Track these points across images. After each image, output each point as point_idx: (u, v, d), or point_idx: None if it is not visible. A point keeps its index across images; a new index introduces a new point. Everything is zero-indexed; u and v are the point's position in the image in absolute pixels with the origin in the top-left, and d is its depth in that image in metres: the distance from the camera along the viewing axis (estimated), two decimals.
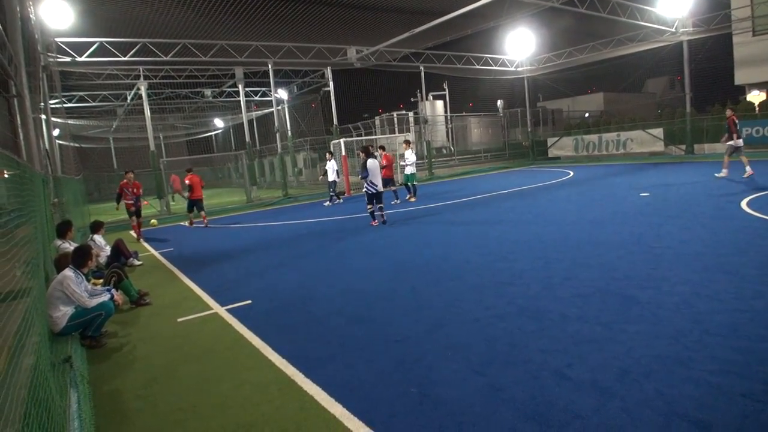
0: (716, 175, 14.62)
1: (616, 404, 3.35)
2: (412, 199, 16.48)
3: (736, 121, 14.05)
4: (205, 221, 15.71)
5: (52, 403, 3.41)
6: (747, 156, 14.24)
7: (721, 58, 26.59)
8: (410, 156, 16.52)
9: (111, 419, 3.99)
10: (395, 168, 19.28)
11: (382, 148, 17.56)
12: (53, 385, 3.69)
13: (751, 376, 3.52)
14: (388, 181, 16.47)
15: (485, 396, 3.64)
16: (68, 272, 5.74)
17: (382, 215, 12.24)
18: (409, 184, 16.79)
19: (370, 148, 12.68)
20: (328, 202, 18.64)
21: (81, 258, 6.05)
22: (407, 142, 17.22)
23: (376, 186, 11.84)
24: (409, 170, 16.59)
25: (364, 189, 12.11)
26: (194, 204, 15.66)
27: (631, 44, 25.00)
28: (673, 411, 3.20)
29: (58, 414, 3.59)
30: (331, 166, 18.41)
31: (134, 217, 13.81)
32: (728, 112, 14.37)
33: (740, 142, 14.08)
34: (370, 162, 11.81)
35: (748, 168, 13.97)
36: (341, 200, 19.03)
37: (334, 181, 18.60)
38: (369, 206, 12.24)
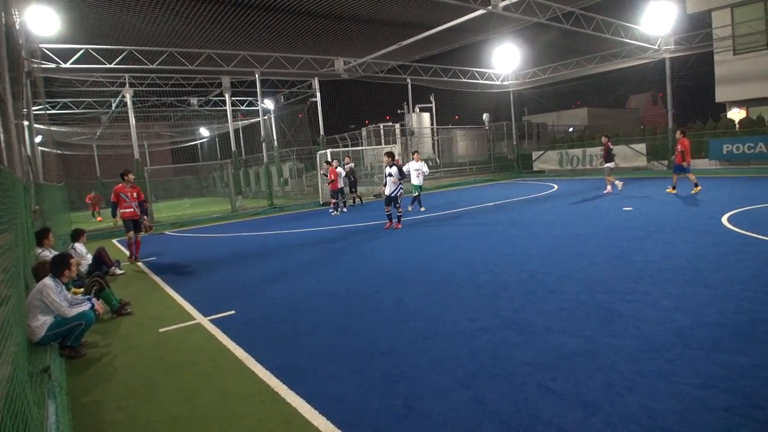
0: (603, 192, 17.19)
1: (600, 418, 3.36)
2: (422, 209, 16.19)
3: (611, 147, 17.28)
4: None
5: (29, 415, 3.33)
6: (695, 174, 15.77)
7: (703, 75, 27.09)
8: (419, 166, 16.02)
9: (89, 431, 3.91)
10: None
11: (328, 162, 18.34)
12: (31, 396, 3.61)
13: (732, 390, 3.56)
14: (336, 193, 18.00)
15: (470, 409, 3.63)
16: (48, 281, 5.64)
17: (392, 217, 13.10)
18: (419, 194, 16.36)
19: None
20: (334, 211, 18.67)
21: (59, 266, 5.94)
22: (417, 153, 16.74)
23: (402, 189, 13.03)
24: (417, 181, 16.01)
25: (399, 191, 12.83)
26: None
27: (615, 61, 25.42)
28: (656, 425, 3.22)
29: (36, 426, 3.50)
30: (338, 173, 18.36)
31: (132, 233, 11.05)
32: (604, 139, 17.56)
33: (612, 164, 17.27)
34: (398, 168, 12.83)
35: (609, 187, 17.20)
36: (345, 210, 18.86)
37: (341, 189, 18.62)
38: (389, 208, 12.99)
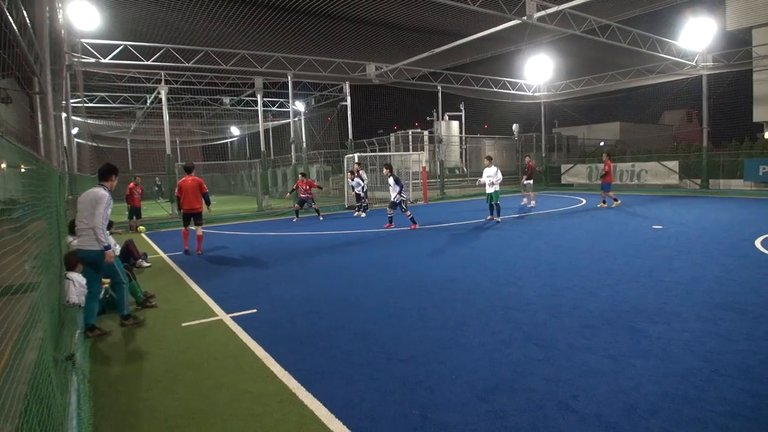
0: (522, 204, 19.88)
1: None
2: (498, 219, 15.17)
3: (533, 166, 20.08)
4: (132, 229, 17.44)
5: (53, 401, 3.39)
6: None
7: (741, 94, 26.49)
8: (491, 172, 15.00)
9: (110, 420, 3.97)
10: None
11: (303, 174, 18.68)
12: (55, 382, 3.68)
13: (761, 420, 3.44)
14: (304, 201, 18.15)
15: (488, 423, 3.58)
16: (106, 192, 6.17)
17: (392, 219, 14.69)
18: (493, 203, 15.19)
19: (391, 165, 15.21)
20: (363, 214, 19.17)
21: (109, 173, 6.46)
22: (489, 159, 15.62)
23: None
24: (491, 188, 15.01)
25: (400, 197, 14.24)
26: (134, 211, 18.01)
27: (650, 76, 25.00)
28: None
29: (59, 412, 3.57)
30: (355, 184, 19.01)
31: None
32: (527, 159, 20.00)
33: (531, 182, 19.99)
34: (394, 178, 14.45)
35: (526, 200, 20.19)
36: (364, 214, 19.14)
37: (358, 194, 19.34)
38: (392, 210, 14.59)
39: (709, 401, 3.72)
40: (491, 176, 15.03)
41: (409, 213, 14.25)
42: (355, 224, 16.26)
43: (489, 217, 15.56)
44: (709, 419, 3.48)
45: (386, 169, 14.94)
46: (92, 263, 6.08)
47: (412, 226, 14.14)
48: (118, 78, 22.16)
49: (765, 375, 4.11)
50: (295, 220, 18.18)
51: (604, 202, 18.30)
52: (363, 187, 19.33)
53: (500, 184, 14.95)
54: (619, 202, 18.23)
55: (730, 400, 3.72)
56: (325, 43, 19.44)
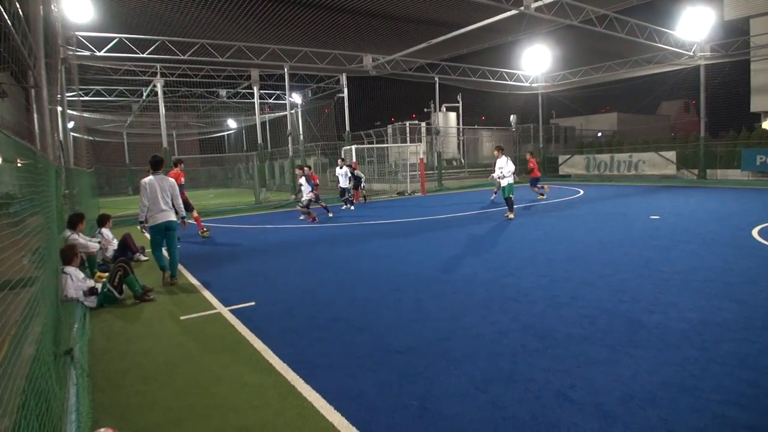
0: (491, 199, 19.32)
1: (618, 430, 3.29)
2: (510, 216, 13.91)
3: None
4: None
5: (52, 395, 3.40)
6: None
7: (738, 84, 26.46)
8: (506, 165, 13.78)
9: (109, 414, 3.97)
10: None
11: (309, 167, 18.29)
12: (54, 376, 3.68)
13: (757, 408, 3.46)
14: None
15: (486, 413, 3.59)
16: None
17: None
18: (505, 197, 14.05)
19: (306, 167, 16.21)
20: (352, 207, 18.90)
21: (162, 162, 8.28)
22: (500, 149, 14.18)
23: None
24: (505, 181, 13.89)
25: (314, 195, 15.45)
26: None
27: (648, 66, 24.95)
28: None
29: (57, 406, 3.57)
30: (343, 173, 18.72)
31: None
32: (496, 152, 17.94)
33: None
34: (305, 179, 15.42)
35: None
36: (353, 208, 18.95)
37: (342, 188, 19.03)
38: (307, 209, 15.50)
39: (707, 390, 3.74)
40: (502, 168, 13.84)
41: (307, 212, 15.36)
42: (350, 217, 16.25)
43: (509, 215, 13.95)
44: (706, 408, 3.50)
45: (299, 169, 16.04)
46: (172, 230, 8.18)
47: (310, 219, 15.20)
48: (113, 71, 22.02)
49: (762, 364, 4.14)
50: (344, 207, 18.37)
51: (542, 194, 18.68)
52: (350, 180, 19.08)
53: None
54: (545, 196, 18.66)
55: (726, 389, 3.74)
56: (322, 34, 19.35)
